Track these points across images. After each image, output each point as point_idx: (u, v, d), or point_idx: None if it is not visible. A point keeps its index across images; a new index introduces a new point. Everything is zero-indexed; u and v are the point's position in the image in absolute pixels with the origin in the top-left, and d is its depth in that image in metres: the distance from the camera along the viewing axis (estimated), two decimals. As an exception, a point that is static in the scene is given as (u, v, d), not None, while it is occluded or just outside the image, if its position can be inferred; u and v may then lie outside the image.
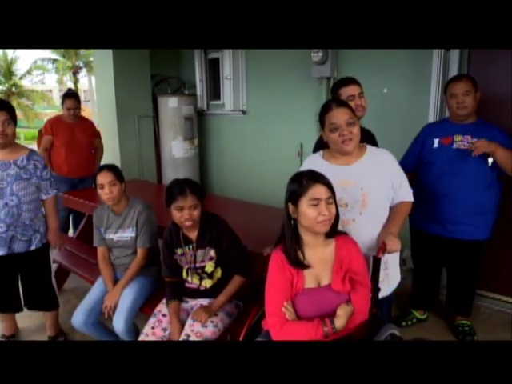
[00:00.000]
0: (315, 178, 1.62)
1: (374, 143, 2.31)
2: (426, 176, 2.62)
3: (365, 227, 1.87)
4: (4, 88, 23.35)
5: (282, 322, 1.61)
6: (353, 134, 1.84)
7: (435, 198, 2.57)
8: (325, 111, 1.89)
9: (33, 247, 2.60)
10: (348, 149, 1.86)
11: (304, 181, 1.61)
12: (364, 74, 2.75)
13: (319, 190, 1.59)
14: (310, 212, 1.57)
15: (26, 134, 20.86)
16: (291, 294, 1.65)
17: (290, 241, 1.64)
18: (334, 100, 1.99)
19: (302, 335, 1.57)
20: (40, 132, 4.16)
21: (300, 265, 1.63)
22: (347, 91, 2.28)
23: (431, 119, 3.35)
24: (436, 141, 2.58)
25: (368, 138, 2.22)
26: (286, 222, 1.67)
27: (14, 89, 23.07)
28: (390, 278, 2.01)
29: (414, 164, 2.68)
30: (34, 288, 2.71)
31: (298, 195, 1.60)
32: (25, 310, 2.82)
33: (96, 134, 4.31)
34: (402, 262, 3.56)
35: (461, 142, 2.50)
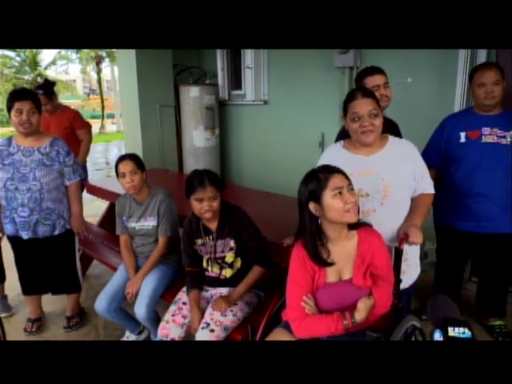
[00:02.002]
0: (330, 169, 1.60)
1: (398, 134, 2.27)
2: (455, 173, 2.50)
3: (386, 218, 1.85)
4: (29, 78, 23.76)
5: (302, 317, 1.61)
6: (374, 125, 1.81)
7: (467, 195, 2.46)
8: (349, 99, 1.86)
9: (57, 232, 2.67)
10: (368, 140, 1.84)
11: (320, 175, 1.58)
12: (388, 63, 2.70)
13: (338, 179, 1.57)
14: (336, 203, 1.54)
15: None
16: (312, 289, 1.65)
17: (313, 239, 1.61)
18: (361, 89, 1.95)
19: (322, 329, 1.58)
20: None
21: (324, 263, 1.61)
22: (372, 81, 2.24)
23: (457, 109, 3.27)
24: (462, 135, 2.47)
25: (391, 128, 2.18)
26: (307, 222, 1.62)
27: (38, 79, 23.45)
28: (410, 270, 1.98)
29: (439, 159, 2.58)
30: (57, 272, 2.79)
31: (319, 191, 1.57)
32: (50, 294, 2.92)
33: (80, 126, 4.04)
34: (424, 255, 3.52)
35: (489, 135, 2.41)
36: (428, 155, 2.55)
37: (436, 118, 2.82)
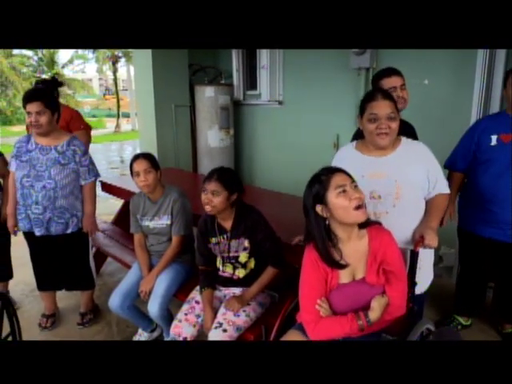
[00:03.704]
0: (331, 170, 1.60)
1: (414, 136, 2.24)
2: (482, 176, 2.40)
3: (398, 220, 1.83)
4: (47, 77, 24.16)
5: (316, 319, 1.60)
6: (391, 128, 1.80)
7: (493, 200, 2.37)
8: (368, 99, 1.85)
9: (69, 230, 2.70)
10: (382, 143, 1.82)
11: (322, 177, 1.58)
12: (404, 64, 2.68)
13: (340, 177, 1.56)
14: (341, 201, 1.53)
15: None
16: (325, 291, 1.64)
17: (323, 242, 1.60)
18: (381, 90, 1.93)
19: (337, 331, 1.56)
20: (28, 127, 4.09)
21: (337, 265, 1.60)
22: (389, 82, 2.22)
23: (474, 112, 3.22)
24: (494, 138, 2.36)
25: (407, 130, 2.16)
26: (315, 225, 1.61)
27: (54, 77, 23.78)
28: (422, 276, 1.92)
29: (467, 163, 2.48)
30: (71, 269, 2.82)
31: (322, 192, 1.56)
32: (64, 291, 2.96)
33: (77, 127, 3.73)
34: (439, 259, 3.48)
35: None
36: (456, 158, 2.50)
37: (453, 120, 2.79)
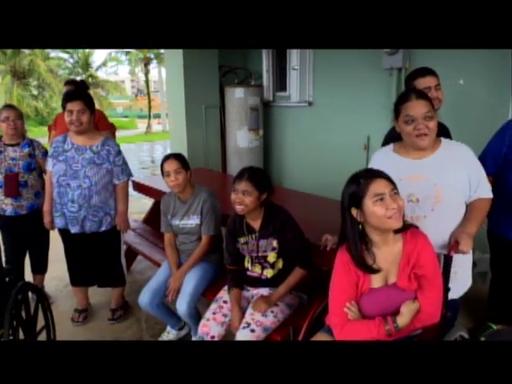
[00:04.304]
0: (371, 174, 1.56)
1: (448, 137, 2.19)
2: None
3: (437, 225, 1.77)
4: (82, 79, 24.86)
5: (343, 322, 1.58)
6: (429, 128, 1.74)
7: None
8: (402, 101, 1.81)
9: (103, 228, 2.77)
10: (422, 144, 1.77)
11: (361, 180, 1.54)
12: (438, 64, 2.60)
13: (380, 184, 1.52)
14: (378, 209, 1.49)
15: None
16: (356, 295, 1.61)
17: (356, 245, 1.58)
18: (414, 90, 1.89)
19: (364, 334, 1.54)
20: (49, 127, 4.15)
21: (370, 270, 1.57)
22: (423, 82, 2.17)
23: (512, 113, 3.12)
24: None
25: (441, 131, 2.11)
26: (349, 227, 1.59)
27: (90, 79, 24.42)
28: (458, 281, 1.87)
29: (496, 166, 2.39)
30: (103, 266, 2.89)
31: (359, 197, 1.53)
32: (96, 287, 3.03)
33: (104, 127, 3.86)
34: (473, 265, 3.37)
35: None
36: (485, 161, 2.41)
37: (489, 121, 2.70)
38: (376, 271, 1.58)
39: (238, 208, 2.09)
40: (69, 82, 4.00)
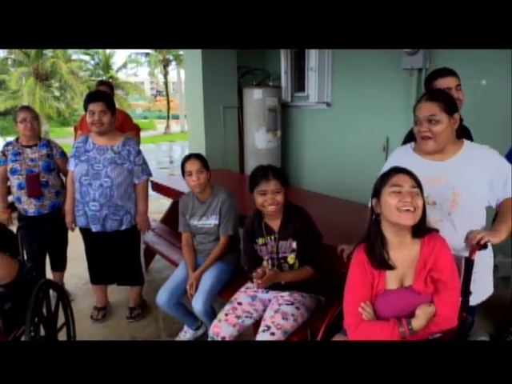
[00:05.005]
0: (399, 169, 1.56)
1: (469, 139, 2.15)
2: None
3: (453, 229, 1.74)
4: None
5: (357, 322, 1.57)
6: (432, 132, 1.71)
7: None
8: (418, 101, 1.79)
9: (123, 227, 2.81)
10: (425, 148, 1.75)
11: (387, 172, 1.56)
12: (460, 64, 2.57)
13: (401, 178, 1.52)
14: (391, 199, 1.49)
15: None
16: (371, 296, 1.60)
17: (374, 239, 1.57)
18: (431, 91, 1.86)
19: (377, 335, 1.52)
20: (75, 128, 4.18)
21: (384, 265, 1.56)
22: (443, 83, 2.14)
23: (536, 114, 3.05)
24: None
25: (462, 133, 2.07)
26: (369, 219, 1.61)
27: (110, 81, 24.80)
28: (478, 287, 1.78)
29: None
30: (123, 264, 2.93)
31: (380, 187, 1.55)
32: (115, 285, 3.08)
33: (130, 128, 3.88)
34: (495, 269, 3.31)
35: None
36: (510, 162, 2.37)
37: (513, 122, 2.65)
38: (389, 267, 1.56)
39: (271, 208, 2.06)
40: (102, 83, 4.10)
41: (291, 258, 2.16)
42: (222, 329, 2.11)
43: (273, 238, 2.17)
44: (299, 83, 5.34)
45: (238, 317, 2.16)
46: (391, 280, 1.58)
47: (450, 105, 1.75)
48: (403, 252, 1.57)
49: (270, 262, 2.21)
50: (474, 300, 1.79)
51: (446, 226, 1.74)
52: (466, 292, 1.63)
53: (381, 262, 1.56)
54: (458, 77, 2.19)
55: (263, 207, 2.09)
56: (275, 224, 2.17)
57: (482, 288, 1.89)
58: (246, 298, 2.23)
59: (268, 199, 2.05)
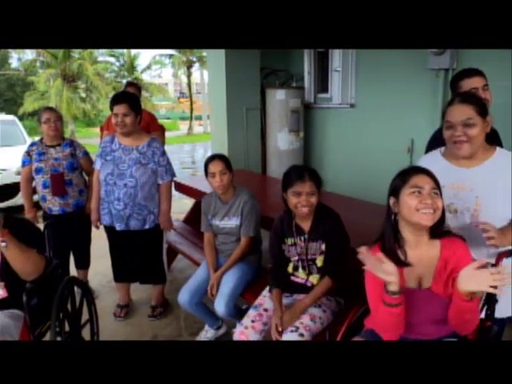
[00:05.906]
0: (419, 169, 1.55)
1: (498, 141, 2.09)
2: None
3: (474, 239, 1.65)
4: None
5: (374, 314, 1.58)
6: (468, 135, 1.65)
7: None
8: (447, 104, 1.74)
9: (147, 226, 2.85)
10: (460, 152, 1.69)
11: (406, 172, 1.54)
12: (488, 65, 2.50)
13: (422, 179, 1.49)
14: (411, 200, 1.47)
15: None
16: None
17: (389, 238, 1.55)
18: (461, 94, 1.81)
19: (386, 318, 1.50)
20: (101, 128, 4.24)
21: (398, 261, 1.51)
22: (469, 83, 2.09)
23: None
24: None
25: (490, 136, 2.02)
26: (385, 217, 1.58)
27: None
28: (506, 299, 1.69)
29: None
30: (146, 263, 2.97)
31: (399, 186, 1.52)
32: (138, 284, 3.12)
33: (155, 128, 3.98)
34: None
35: None
36: None
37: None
38: (405, 264, 1.53)
39: (305, 210, 2.03)
40: (130, 84, 4.18)
41: (320, 260, 2.12)
42: (249, 336, 2.07)
43: (303, 238, 2.14)
44: (322, 84, 5.30)
45: (264, 323, 2.14)
46: (409, 278, 1.55)
47: (483, 107, 1.70)
48: (420, 251, 1.54)
49: (296, 264, 2.17)
50: (503, 312, 1.73)
51: (466, 234, 1.64)
52: (491, 300, 1.58)
53: (394, 257, 1.52)
54: (485, 77, 2.14)
55: (296, 208, 2.05)
56: (306, 225, 2.13)
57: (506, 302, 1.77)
58: (271, 303, 2.18)
59: (302, 201, 2.02)
